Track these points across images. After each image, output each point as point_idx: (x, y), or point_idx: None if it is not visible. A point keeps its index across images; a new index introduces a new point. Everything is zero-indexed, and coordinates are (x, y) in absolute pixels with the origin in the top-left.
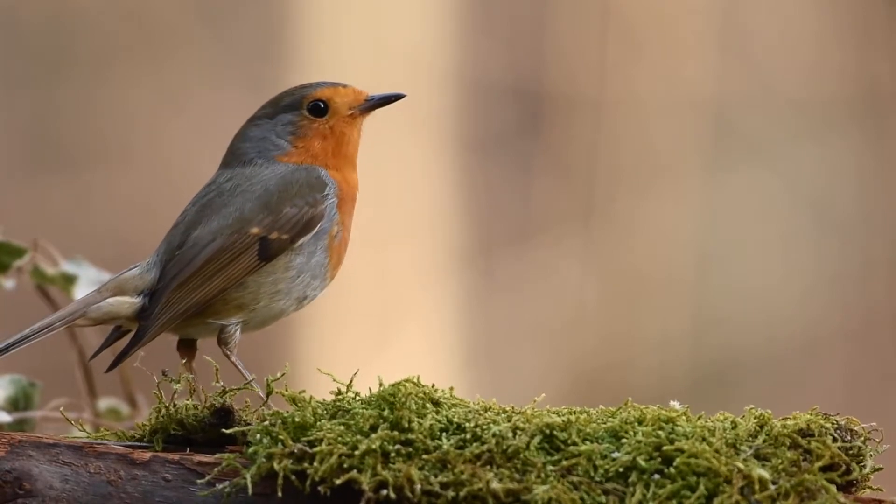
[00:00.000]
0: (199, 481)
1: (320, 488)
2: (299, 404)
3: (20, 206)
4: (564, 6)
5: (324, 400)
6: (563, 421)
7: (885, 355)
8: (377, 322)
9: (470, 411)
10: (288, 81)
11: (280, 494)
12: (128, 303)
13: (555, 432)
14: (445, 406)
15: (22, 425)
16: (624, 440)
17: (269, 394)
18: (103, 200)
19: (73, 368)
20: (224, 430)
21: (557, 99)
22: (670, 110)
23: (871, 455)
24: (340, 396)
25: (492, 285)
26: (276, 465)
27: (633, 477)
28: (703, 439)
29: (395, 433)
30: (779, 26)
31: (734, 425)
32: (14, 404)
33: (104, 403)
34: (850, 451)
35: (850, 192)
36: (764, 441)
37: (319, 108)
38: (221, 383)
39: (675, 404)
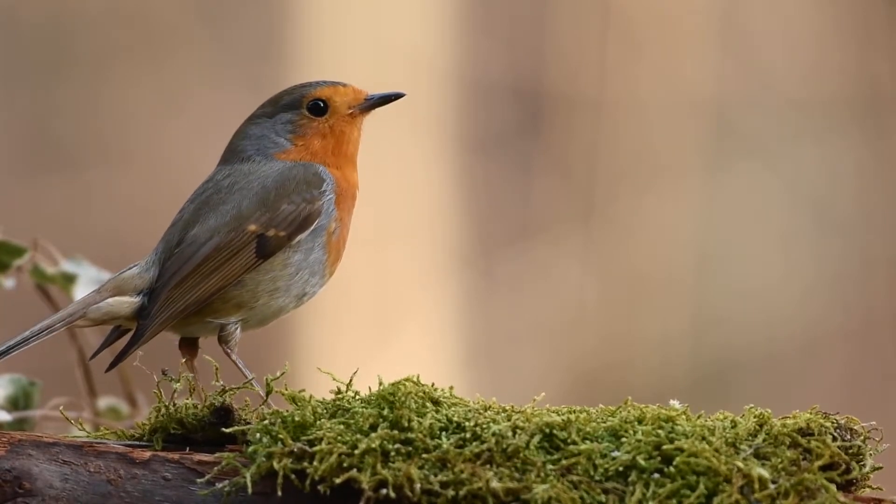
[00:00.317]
0: (198, 480)
1: (320, 487)
2: (299, 403)
3: (20, 206)
4: (564, 6)
5: (323, 399)
6: (562, 420)
7: (885, 355)
8: (377, 322)
9: (470, 410)
10: (288, 81)
11: (280, 493)
12: (127, 302)
13: (554, 431)
14: (445, 405)
15: (22, 424)
16: (624, 439)
17: (268, 393)
18: (103, 200)
19: (73, 368)
20: (224, 429)
21: (557, 99)
22: (670, 110)
23: (870, 454)
24: (340, 395)
25: (492, 285)
26: (275, 464)
27: (633, 476)
28: (703, 438)
29: (395, 432)
30: (779, 26)
31: (734, 424)
32: (14, 403)
33: (104, 402)
34: (850, 451)
35: (850, 192)
36: (764, 440)
37: (319, 107)
38: (221, 382)
39: (674, 403)
